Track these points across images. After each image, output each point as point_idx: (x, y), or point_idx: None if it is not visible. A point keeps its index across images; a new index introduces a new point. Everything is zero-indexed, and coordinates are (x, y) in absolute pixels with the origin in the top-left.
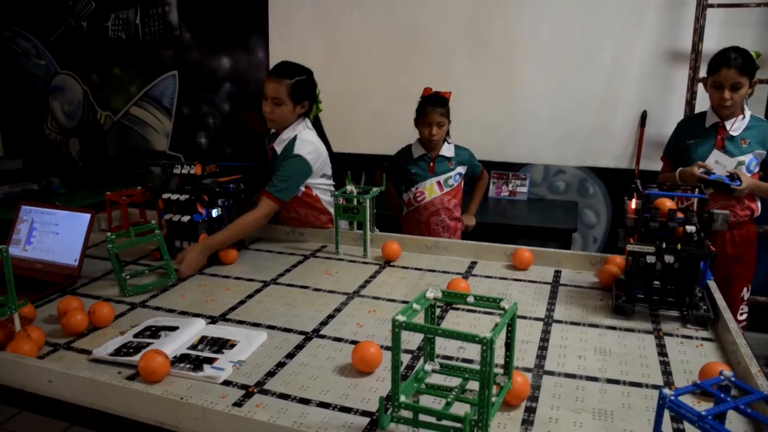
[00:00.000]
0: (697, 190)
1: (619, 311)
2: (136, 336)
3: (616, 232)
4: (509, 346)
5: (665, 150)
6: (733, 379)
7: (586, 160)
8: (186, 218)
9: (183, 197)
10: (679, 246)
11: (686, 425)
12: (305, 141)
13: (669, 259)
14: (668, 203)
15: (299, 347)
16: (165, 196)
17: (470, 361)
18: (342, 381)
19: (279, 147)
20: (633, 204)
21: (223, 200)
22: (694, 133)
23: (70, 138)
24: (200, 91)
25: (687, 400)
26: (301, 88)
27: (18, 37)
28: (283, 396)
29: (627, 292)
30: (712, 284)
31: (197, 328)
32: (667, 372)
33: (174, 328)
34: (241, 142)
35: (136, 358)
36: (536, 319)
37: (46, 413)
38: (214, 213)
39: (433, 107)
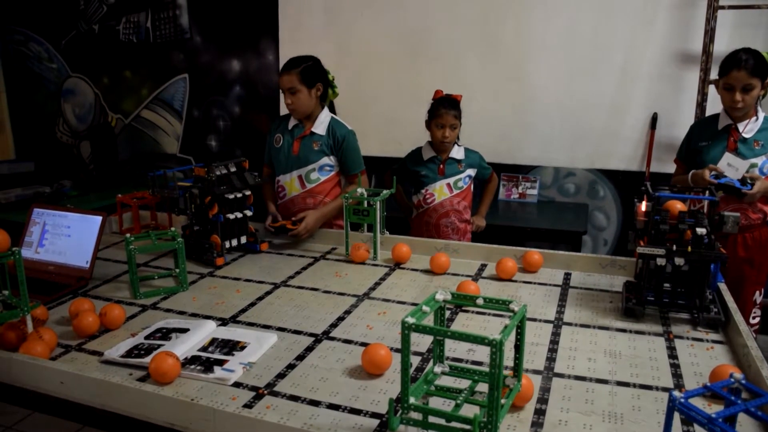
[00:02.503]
0: (707, 192)
1: (629, 314)
2: (147, 338)
3: (627, 235)
4: (519, 348)
5: (678, 152)
6: (743, 381)
7: (596, 163)
8: (240, 215)
9: (239, 194)
10: (689, 248)
11: (696, 428)
12: (341, 121)
13: (679, 261)
14: (678, 206)
15: (309, 349)
16: (231, 196)
17: (480, 363)
18: (352, 383)
19: (320, 127)
20: (643, 206)
21: None
22: (707, 136)
23: (82, 141)
24: (211, 94)
25: (697, 402)
26: (310, 72)
27: (30, 41)
28: (293, 398)
29: (637, 294)
30: (723, 287)
31: (208, 329)
32: (677, 374)
33: (185, 330)
34: (251, 145)
35: (147, 359)
36: (546, 321)
37: (58, 414)
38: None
39: (446, 109)
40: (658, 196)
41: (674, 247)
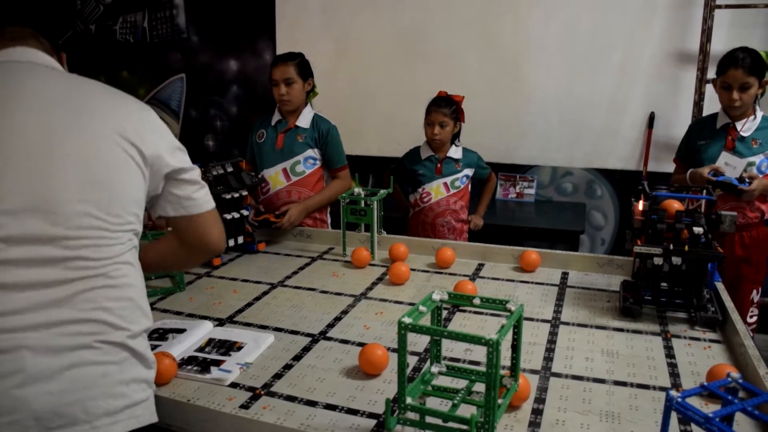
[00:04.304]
0: (705, 191)
1: (626, 313)
2: None
3: (624, 234)
4: (516, 348)
5: (677, 151)
6: (740, 381)
7: (593, 162)
8: (237, 215)
9: (236, 194)
10: (686, 247)
11: (693, 427)
12: (324, 116)
13: (676, 260)
14: (676, 205)
15: (306, 349)
16: (227, 196)
17: (477, 363)
18: (349, 383)
19: (304, 121)
20: (640, 205)
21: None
22: (705, 134)
23: None
24: (208, 93)
25: (694, 402)
26: (305, 66)
27: None
28: (290, 398)
29: (634, 293)
30: (720, 286)
31: (204, 330)
32: (674, 374)
33: (181, 331)
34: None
35: None
36: (543, 320)
37: None
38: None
39: (436, 107)
40: (654, 195)
41: (671, 246)
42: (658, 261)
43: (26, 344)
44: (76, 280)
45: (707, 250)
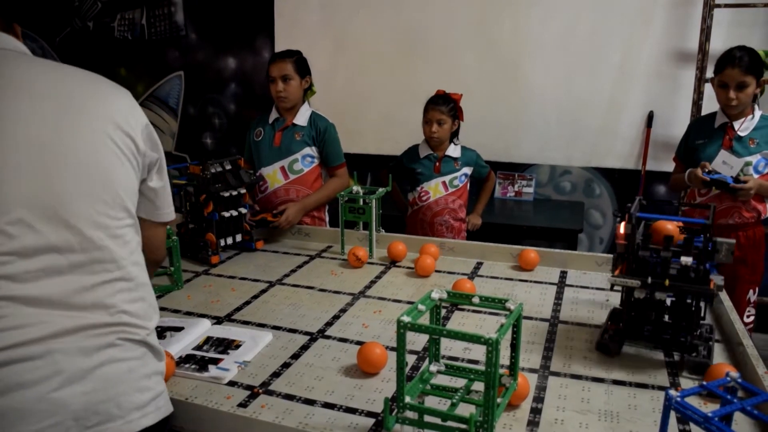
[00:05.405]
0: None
1: (602, 350)
2: None
3: None
4: (514, 346)
5: (677, 151)
6: (739, 380)
7: (592, 161)
8: (235, 213)
9: (234, 192)
10: (667, 282)
11: (692, 427)
12: (322, 114)
13: (660, 296)
14: (670, 227)
15: (304, 348)
16: (226, 194)
17: (476, 362)
18: (347, 382)
19: (302, 119)
20: (622, 228)
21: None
22: (704, 134)
23: None
24: (206, 91)
25: (693, 401)
26: (303, 63)
27: (24, 38)
28: (289, 396)
29: (616, 327)
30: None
31: (202, 328)
32: (673, 373)
33: (179, 329)
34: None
35: None
36: (542, 319)
37: None
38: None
39: (434, 105)
40: (638, 216)
41: (650, 279)
42: (639, 294)
43: (57, 349)
44: (96, 286)
45: (694, 286)
